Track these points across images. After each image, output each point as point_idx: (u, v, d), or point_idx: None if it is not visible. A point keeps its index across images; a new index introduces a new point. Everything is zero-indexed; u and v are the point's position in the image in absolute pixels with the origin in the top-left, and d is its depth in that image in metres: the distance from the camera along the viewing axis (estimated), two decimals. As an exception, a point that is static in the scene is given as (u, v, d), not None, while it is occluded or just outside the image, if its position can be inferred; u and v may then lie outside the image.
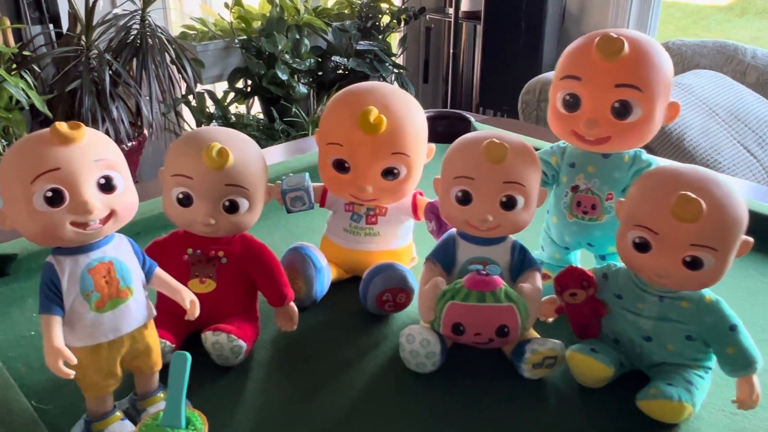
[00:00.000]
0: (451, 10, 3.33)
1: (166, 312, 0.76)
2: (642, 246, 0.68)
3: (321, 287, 0.89)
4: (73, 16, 2.33)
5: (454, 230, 0.83)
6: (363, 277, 0.88)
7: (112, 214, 0.62)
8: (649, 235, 0.68)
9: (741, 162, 2.11)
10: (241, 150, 0.76)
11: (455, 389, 0.76)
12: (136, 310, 0.65)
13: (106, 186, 0.61)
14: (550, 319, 0.82)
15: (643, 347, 0.75)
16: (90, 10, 2.22)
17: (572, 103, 0.78)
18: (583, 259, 0.94)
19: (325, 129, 0.88)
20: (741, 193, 0.67)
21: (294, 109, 2.66)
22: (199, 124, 2.68)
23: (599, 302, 0.77)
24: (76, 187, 0.59)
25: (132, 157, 2.36)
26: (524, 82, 2.65)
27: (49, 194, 0.58)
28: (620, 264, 0.78)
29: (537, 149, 0.84)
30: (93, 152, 0.61)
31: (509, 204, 0.75)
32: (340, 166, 0.86)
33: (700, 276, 0.67)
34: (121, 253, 0.65)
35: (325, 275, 0.90)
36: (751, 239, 0.68)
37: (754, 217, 0.71)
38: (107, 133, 2.21)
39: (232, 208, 0.76)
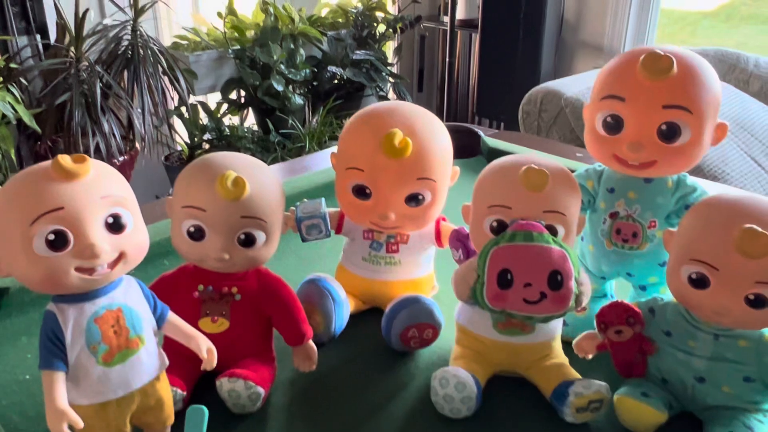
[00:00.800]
0: (446, 19, 3.29)
1: (175, 353, 0.69)
2: (699, 282, 0.63)
3: (340, 322, 0.83)
4: (62, 27, 2.26)
5: (485, 261, 0.77)
6: (386, 312, 0.82)
7: (121, 256, 0.56)
8: (707, 271, 0.62)
9: (749, 173, 2.07)
10: (258, 178, 0.70)
11: (492, 436, 0.70)
12: (147, 361, 0.59)
13: (115, 225, 0.55)
14: (590, 356, 0.76)
15: (695, 388, 0.69)
16: (80, 21, 2.14)
17: (614, 125, 0.73)
18: (619, 289, 0.88)
19: (345, 153, 0.82)
20: (807, 225, 0.62)
21: (290, 121, 2.60)
22: (192, 137, 2.61)
23: (646, 340, 0.71)
24: (82, 228, 0.53)
25: (124, 172, 2.28)
26: (522, 91, 2.61)
27: (52, 237, 0.52)
28: (667, 297, 0.72)
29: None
30: (99, 188, 0.55)
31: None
32: (361, 192, 0.80)
33: (763, 315, 0.62)
34: (130, 298, 0.58)
35: (345, 309, 0.84)
36: (817, 274, 0.63)
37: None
38: (98, 147, 2.14)
39: (248, 241, 0.70)
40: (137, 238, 0.57)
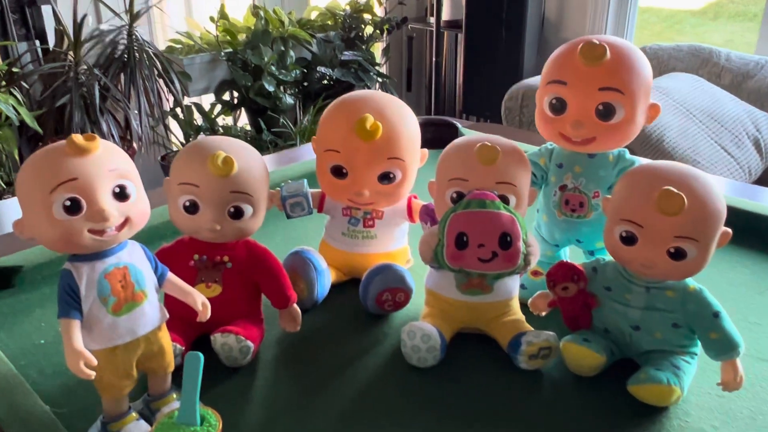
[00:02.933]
0: (433, 20, 3.39)
1: (175, 317, 0.78)
2: (629, 239, 0.73)
3: (322, 289, 0.92)
4: (60, 33, 2.35)
5: (449, 230, 0.86)
6: (363, 278, 0.91)
7: (126, 221, 0.65)
8: (635, 229, 0.72)
9: (719, 161, 2.17)
10: (245, 158, 0.79)
11: (455, 382, 0.80)
12: (150, 312, 0.68)
13: (121, 194, 0.64)
14: (544, 313, 0.85)
15: (632, 336, 0.79)
16: (78, 27, 2.24)
17: (558, 107, 0.82)
18: (572, 256, 0.98)
19: (323, 136, 0.91)
20: (719, 187, 0.71)
21: (281, 120, 2.70)
22: (187, 137, 2.70)
23: (589, 295, 0.81)
24: (93, 196, 0.62)
25: (122, 171, 2.37)
26: (506, 88, 2.71)
27: (68, 203, 0.61)
28: (608, 258, 0.82)
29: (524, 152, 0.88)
30: (108, 162, 0.64)
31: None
32: (338, 171, 0.90)
33: (683, 266, 0.71)
34: (135, 258, 0.68)
35: (326, 277, 0.93)
36: (729, 230, 0.72)
37: (736, 212, 0.75)
38: (96, 147, 2.23)
39: (237, 214, 0.79)
40: (140, 206, 0.67)
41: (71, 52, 2.31)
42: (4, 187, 2.05)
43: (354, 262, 0.98)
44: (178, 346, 0.78)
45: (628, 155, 0.87)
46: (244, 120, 2.95)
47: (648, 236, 0.71)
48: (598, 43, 0.79)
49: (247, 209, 0.80)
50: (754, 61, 2.50)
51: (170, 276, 0.72)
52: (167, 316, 0.71)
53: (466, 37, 3.20)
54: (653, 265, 0.72)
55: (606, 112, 0.80)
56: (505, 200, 0.79)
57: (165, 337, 0.71)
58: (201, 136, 0.89)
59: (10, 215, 1.26)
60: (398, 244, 1.00)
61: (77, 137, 0.62)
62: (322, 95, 2.85)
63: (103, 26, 2.46)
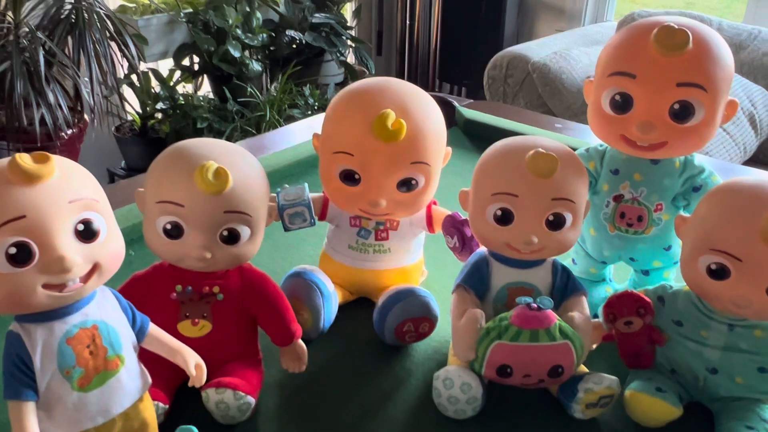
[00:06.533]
0: (406, -20, 3.19)
1: (151, 358, 0.62)
2: (719, 273, 0.60)
3: (329, 316, 0.78)
4: (-4, -11, 2.08)
5: (484, 250, 0.72)
6: (378, 306, 0.77)
7: (95, 268, 0.49)
8: (729, 262, 0.59)
9: (715, 140, 2.08)
10: (241, 168, 0.63)
11: (499, 436, 0.67)
12: (128, 382, 0.53)
13: (86, 233, 0.48)
14: (594, 346, 0.73)
15: (706, 380, 0.67)
16: (18, -17, 1.98)
17: (622, 104, 0.68)
18: (617, 271, 0.85)
19: (331, 135, 0.75)
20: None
21: (249, 89, 2.49)
22: (144, 107, 2.48)
23: (656, 330, 0.68)
24: (49, 238, 0.46)
25: (72, 146, 2.15)
26: (485, 55, 2.55)
27: (13, 250, 0.45)
28: (675, 285, 0.69)
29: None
30: (67, 191, 0.47)
31: (557, 223, 0.65)
32: (350, 177, 0.74)
33: (786, 306, 0.59)
34: (106, 312, 0.52)
35: (333, 302, 0.78)
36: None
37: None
38: (43, 119, 2.00)
39: (232, 238, 0.63)
40: (112, 246, 0.50)
41: (10, 12, 2.04)
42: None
43: (363, 279, 0.83)
44: (161, 404, 0.62)
45: (696, 161, 0.73)
46: (206, 88, 2.73)
47: (747, 272, 0.58)
48: (677, 28, 0.64)
49: (244, 231, 0.64)
50: (747, 31, 2.39)
51: (152, 329, 0.56)
52: (150, 382, 0.55)
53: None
54: (749, 304, 0.59)
55: (683, 113, 0.66)
56: (560, 220, 0.65)
57: (148, 409, 0.56)
58: (182, 142, 0.70)
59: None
60: (414, 258, 0.85)
61: (23, 158, 0.45)
62: (292, 61, 2.64)
63: (46, -18, 2.19)
